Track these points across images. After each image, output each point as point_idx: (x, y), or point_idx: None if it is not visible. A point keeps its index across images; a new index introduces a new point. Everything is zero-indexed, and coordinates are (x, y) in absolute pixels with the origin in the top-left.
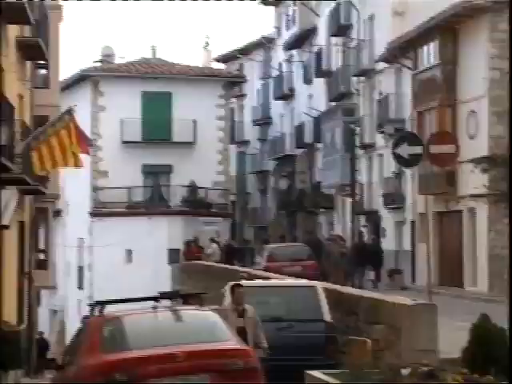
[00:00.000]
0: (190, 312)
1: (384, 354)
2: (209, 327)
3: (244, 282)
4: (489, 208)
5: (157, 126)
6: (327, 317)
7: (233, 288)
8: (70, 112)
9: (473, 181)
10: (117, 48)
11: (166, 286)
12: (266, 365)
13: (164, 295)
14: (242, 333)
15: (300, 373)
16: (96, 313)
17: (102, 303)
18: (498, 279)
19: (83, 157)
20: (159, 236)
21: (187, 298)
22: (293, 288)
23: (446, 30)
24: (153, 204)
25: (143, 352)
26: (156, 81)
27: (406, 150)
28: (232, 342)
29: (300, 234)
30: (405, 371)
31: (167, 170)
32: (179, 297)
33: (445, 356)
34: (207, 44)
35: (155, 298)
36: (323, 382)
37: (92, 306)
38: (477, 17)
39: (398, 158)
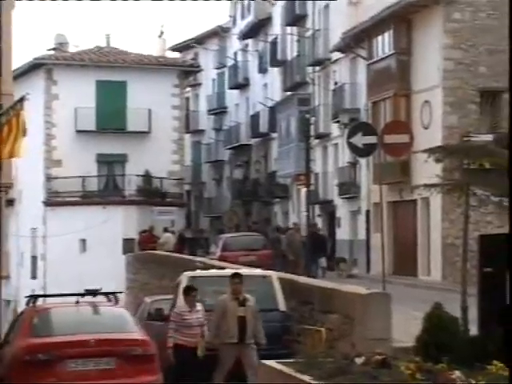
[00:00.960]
0: (105, 307)
1: (338, 343)
2: (118, 320)
3: (198, 272)
4: (442, 198)
5: (111, 115)
6: (282, 306)
7: (230, 280)
8: (22, 100)
9: (426, 170)
10: (70, 36)
11: (121, 276)
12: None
13: (89, 292)
14: (242, 321)
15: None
16: (31, 304)
17: (36, 297)
18: (451, 268)
19: (37, 146)
20: (114, 225)
21: (107, 295)
22: (247, 277)
23: (401, 19)
24: (107, 193)
25: (63, 338)
26: (110, 69)
27: (360, 140)
28: (135, 333)
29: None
30: (358, 360)
31: (122, 159)
32: (101, 294)
33: (398, 345)
34: (162, 33)
35: (81, 294)
36: (278, 371)
37: (29, 298)
38: (430, 7)
39: (353, 147)
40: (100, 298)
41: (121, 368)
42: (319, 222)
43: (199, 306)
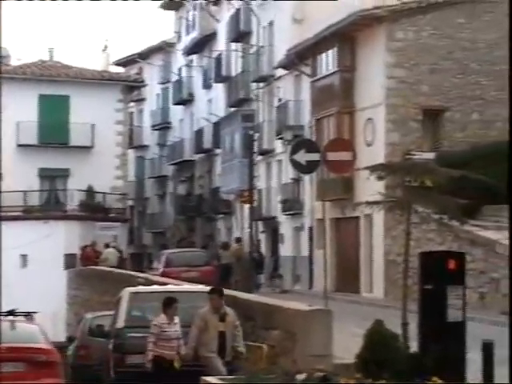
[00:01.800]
0: (20, 323)
1: (280, 359)
2: (29, 334)
3: (140, 288)
4: (385, 215)
5: (54, 130)
6: None
7: (208, 295)
8: None
9: (369, 188)
10: (13, 49)
11: (62, 292)
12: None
13: (10, 312)
14: (222, 337)
15: (196, 378)
16: None
17: None
18: (393, 285)
19: None
20: (55, 240)
21: (25, 315)
22: (189, 293)
23: (344, 37)
24: (49, 208)
25: None
26: (53, 84)
27: (303, 157)
28: (41, 344)
29: (199, 240)
30: (300, 376)
31: (64, 173)
32: (19, 314)
33: (339, 361)
34: (106, 47)
35: (2, 314)
36: None
37: None
38: (374, 26)
39: (296, 164)
40: (20, 317)
41: (28, 371)
42: (262, 239)
43: (177, 319)
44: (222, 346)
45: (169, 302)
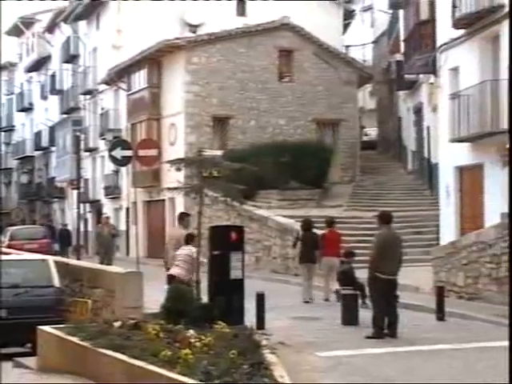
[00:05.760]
0: None
1: (102, 311)
2: None
3: None
4: (184, 198)
5: None
6: (56, 283)
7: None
8: None
9: (171, 177)
10: None
11: None
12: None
13: None
14: None
15: (34, 328)
16: None
17: None
18: None
19: None
20: None
21: None
22: (28, 261)
23: (153, 61)
24: None
25: None
26: None
27: (119, 153)
28: None
29: (38, 219)
30: (116, 324)
31: None
32: None
33: (149, 311)
34: None
35: None
36: (52, 334)
37: None
38: (175, 52)
39: (113, 159)
40: None
41: None
42: (89, 218)
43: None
44: None
45: (191, 237)
